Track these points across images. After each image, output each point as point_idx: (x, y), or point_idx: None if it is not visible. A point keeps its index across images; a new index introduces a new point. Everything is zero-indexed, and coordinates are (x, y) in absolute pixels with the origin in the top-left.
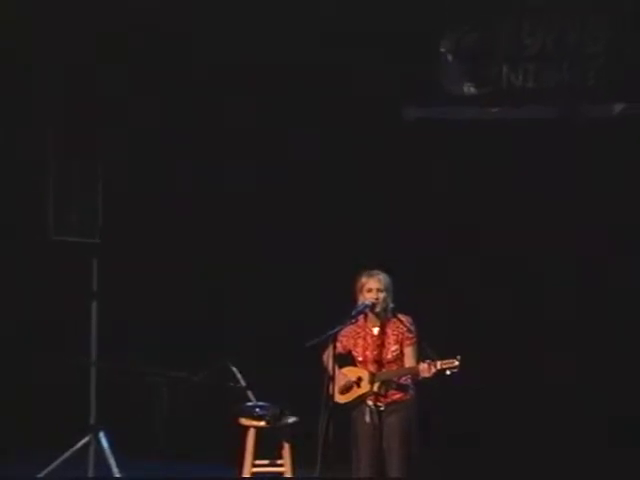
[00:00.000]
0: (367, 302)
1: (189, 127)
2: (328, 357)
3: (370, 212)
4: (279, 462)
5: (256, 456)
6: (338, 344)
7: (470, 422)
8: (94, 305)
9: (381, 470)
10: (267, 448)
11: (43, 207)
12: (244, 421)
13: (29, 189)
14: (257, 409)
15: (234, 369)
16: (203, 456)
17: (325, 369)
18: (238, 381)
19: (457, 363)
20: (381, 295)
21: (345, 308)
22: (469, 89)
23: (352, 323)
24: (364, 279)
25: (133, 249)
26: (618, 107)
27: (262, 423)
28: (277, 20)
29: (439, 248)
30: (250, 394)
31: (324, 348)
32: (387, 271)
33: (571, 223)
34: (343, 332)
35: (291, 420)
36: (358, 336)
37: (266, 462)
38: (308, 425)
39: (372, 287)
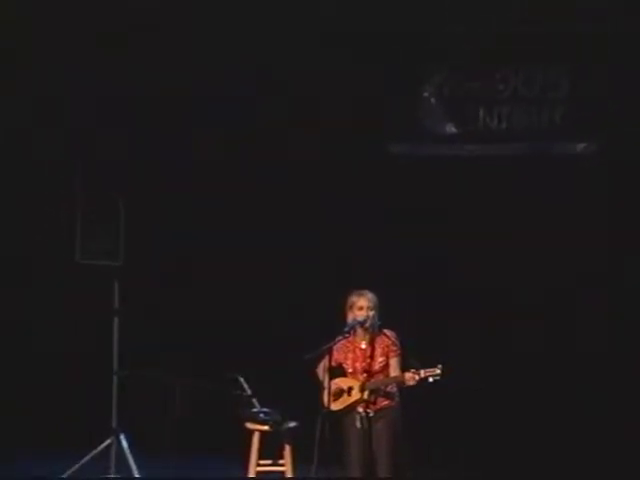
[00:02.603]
0: (359, 319)
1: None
2: (323, 369)
3: (365, 228)
4: (281, 462)
5: (260, 457)
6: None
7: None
8: (115, 320)
9: (371, 471)
10: (270, 450)
11: (71, 234)
12: (249, 425)
13: (59, 218)
14: (261, 414)
15: (241, 379)
16: (212, 456)
17: (319, 380)
18: (244, 390)
19: (439, 371)
20: (371, 313)
21: (338, 320)
22: (450, 129)
23: (344, 338)
24: (354, 298)
25: (150, 271)
26: (580, 146)
27: (266, 427)
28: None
29: (426, 257)
30: (255, 401)
31: (318, 361)
32: (374, 291)
33: (544, 250)
34: (335, 346)
35: (292, 424)
36: (348, 350)
37: (269, 462)
38: (307, 429)
39: (362, 305)
